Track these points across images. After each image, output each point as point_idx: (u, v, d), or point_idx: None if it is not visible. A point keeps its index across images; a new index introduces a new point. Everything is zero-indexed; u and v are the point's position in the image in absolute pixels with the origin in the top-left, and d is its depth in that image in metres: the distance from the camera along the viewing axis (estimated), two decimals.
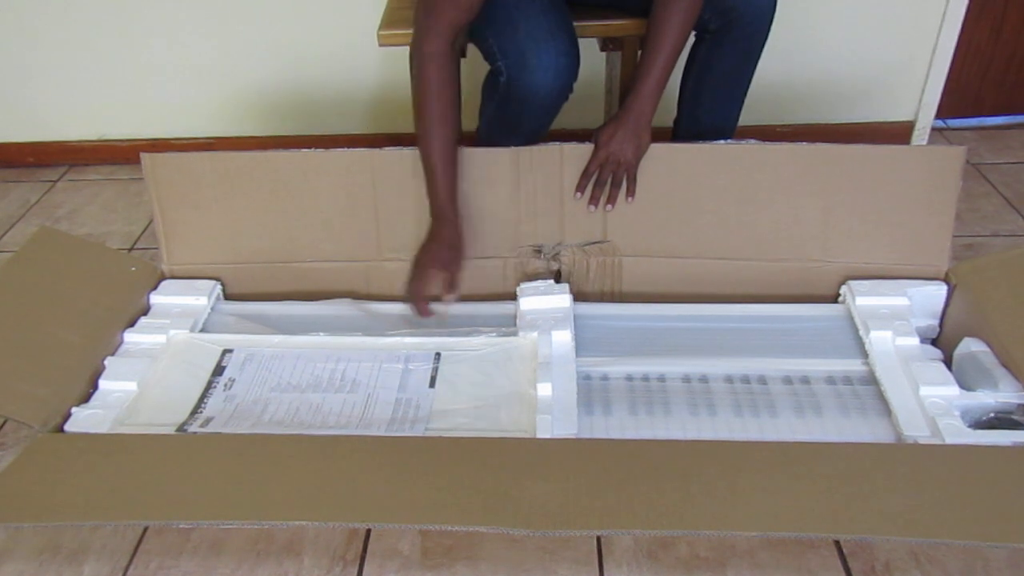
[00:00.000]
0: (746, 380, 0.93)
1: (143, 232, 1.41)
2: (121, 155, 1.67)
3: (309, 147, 1.07)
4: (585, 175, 1.03)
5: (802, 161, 1.01)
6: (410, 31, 0.99)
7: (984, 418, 0.86)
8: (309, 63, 1.54)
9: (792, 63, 1.49)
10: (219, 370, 0.97)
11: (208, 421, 0.90)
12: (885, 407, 0.88)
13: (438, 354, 0.99)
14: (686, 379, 0.94)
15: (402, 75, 1.40)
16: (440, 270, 0.96)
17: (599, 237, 1.07)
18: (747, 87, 1.15)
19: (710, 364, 0.95)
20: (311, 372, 0.97)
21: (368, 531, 0.85)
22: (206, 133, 1.64)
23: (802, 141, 1.01)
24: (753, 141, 1.04)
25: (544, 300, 1.02)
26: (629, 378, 0.94)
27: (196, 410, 0.92)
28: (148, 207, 1.07)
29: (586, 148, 1.03)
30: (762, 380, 0.93)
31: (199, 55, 1.55)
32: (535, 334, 0.97)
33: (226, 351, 1.00)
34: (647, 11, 1.03)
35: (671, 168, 1.03)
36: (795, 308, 1.03)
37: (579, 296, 1.08)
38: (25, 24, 1.52)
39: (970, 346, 0.92)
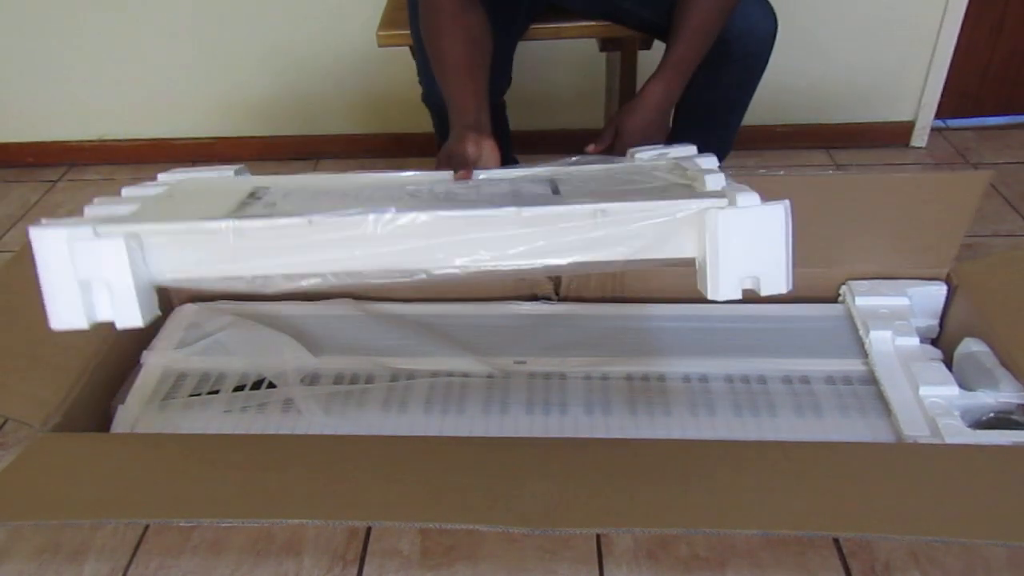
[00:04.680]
0: (746, 380, 0.93)
1: None
2: (121, 155, 1.67)
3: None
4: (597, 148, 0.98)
5: (813, 192, 0.97)
6: (408, 32, 0.98)
7: (984, 418, 0.86)
8: (309, 63, 1.55)
9: (792, 63, 1.49)
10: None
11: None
12: (885, 407, 0.88)
13: None
14: (686, 379, 0.94)
15: (401, 74, 1.41)
16: (475, 134, 0.85)
17: None
18: (742, 115, 1.13)
19: (710, 364, 0.95)
20: None
21: (368, 531, 0.85)
22: (206, 133, 1.64)
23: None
24: (762, 172, 0.99)
25: None
26: (629, 378, 0.94)
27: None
28: None
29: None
30: (762, 380, 0.93)
31: (199, 55, 1.55)
32: None
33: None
34: (641, 24, 1.01)
35: None
36: (795, 308, 1.03)
37: (579, 300, 1.08)
38: (25, 24, 1.52)
39: (970, 346, 0.92)
